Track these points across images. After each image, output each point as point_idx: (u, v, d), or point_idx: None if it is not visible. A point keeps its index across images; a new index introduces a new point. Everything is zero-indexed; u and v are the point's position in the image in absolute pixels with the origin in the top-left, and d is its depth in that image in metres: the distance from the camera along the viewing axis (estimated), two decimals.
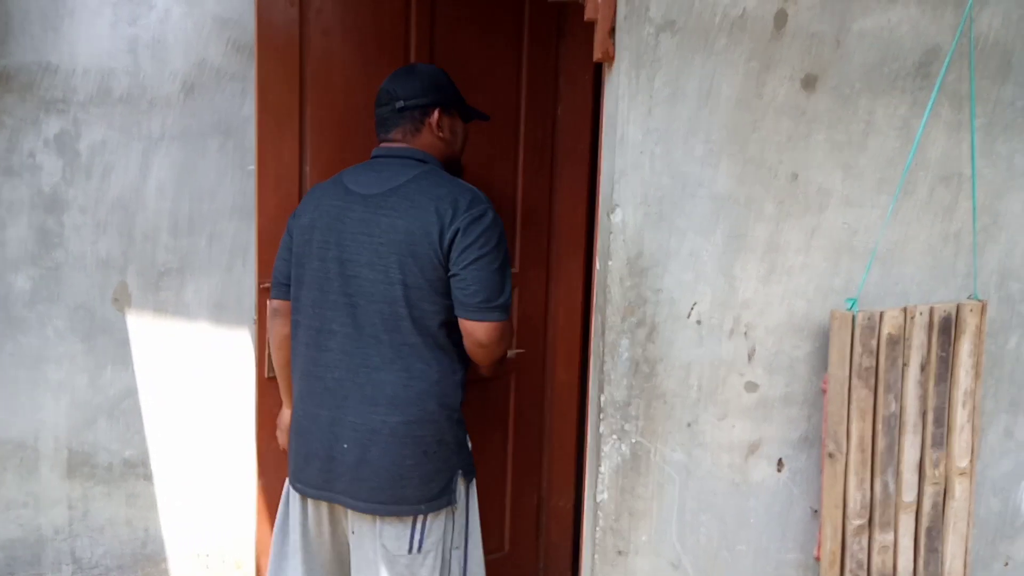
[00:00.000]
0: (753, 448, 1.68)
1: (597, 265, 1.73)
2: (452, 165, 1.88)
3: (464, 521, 1.81)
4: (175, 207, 2.69)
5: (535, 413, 2.59)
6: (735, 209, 1.64)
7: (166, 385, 2.73)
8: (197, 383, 2.75)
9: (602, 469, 1.65)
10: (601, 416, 1.64)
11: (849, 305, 1.62)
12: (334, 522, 1.82)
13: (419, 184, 1.70)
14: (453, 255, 1.65)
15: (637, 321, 1.63)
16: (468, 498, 1.82)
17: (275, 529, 1.90)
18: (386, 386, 1.68)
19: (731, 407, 1.67)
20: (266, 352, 2.18)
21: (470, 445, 1.83)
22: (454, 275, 1.66)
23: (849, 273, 1.67)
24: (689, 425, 1.66)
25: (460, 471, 1.77)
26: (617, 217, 1.62)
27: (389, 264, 1.66)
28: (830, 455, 1.62)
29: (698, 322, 1.65)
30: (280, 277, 1.87)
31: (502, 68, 2.40)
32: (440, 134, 1.82)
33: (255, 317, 2.24)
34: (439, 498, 1.73)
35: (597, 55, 1.66)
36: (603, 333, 1.65)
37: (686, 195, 1.62)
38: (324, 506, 1.81)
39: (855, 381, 1.60)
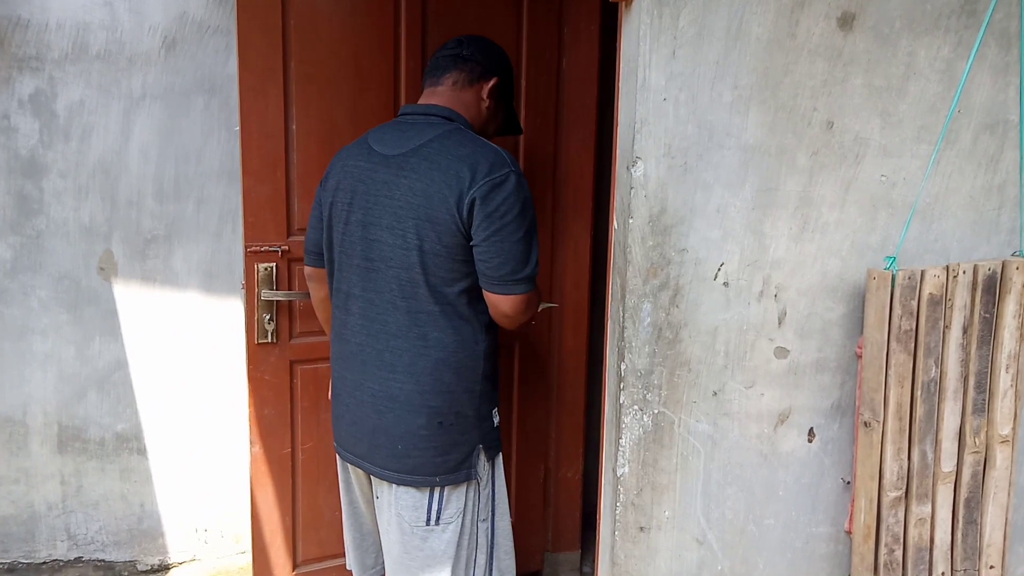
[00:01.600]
0: (783, 417, 1.55)
1: (614, 224, 1.57)
2: None
3: (490, 493, 1.71)
4: (159, 170, 2.51)
5: (541, 381, 2.44)
6: (766, 160, 1.48)
7: (157, 356, 2.57)
8: (189, 354, 2.59)
9: (622, 441, 1.51)
10: (621, 386, 1.50)
11: (888, 264, 1.48)
12: (370, 485, 1.77)
13: (441, 144, 1.58)
14: (474, 224, 1.53)
15: (660, 284, 1.48)
16: (493, 473, 1.72)
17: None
18: (403, 353, 1.60)
19: (760, 374, 1.53)
20: (255, 317, 2.06)
21: (496, 420, 1.71)
22: (476, 246, 1.55)
23: (887, 229, 1.52)
24: (715, 394, 1.52)
25: (481, 446, 1.67)
26: (638, 171, 1.45)
27: (407, 228, 1.56)
28: (865, 424, 1.49)
29: (725, 284, 1.50)
30: (311, 246, 1.79)
31: (501, 18, 2.21)
32: (485, 102, 1.72)
33: (243, 282, 2.09)
34: (457, 471, 1.64)
35: None
36: (623, 297, 1.49)
37: (713, 145, 1.46)
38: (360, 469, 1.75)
39: (894, 345, 1.45)
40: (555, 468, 2.49)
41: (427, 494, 1.63)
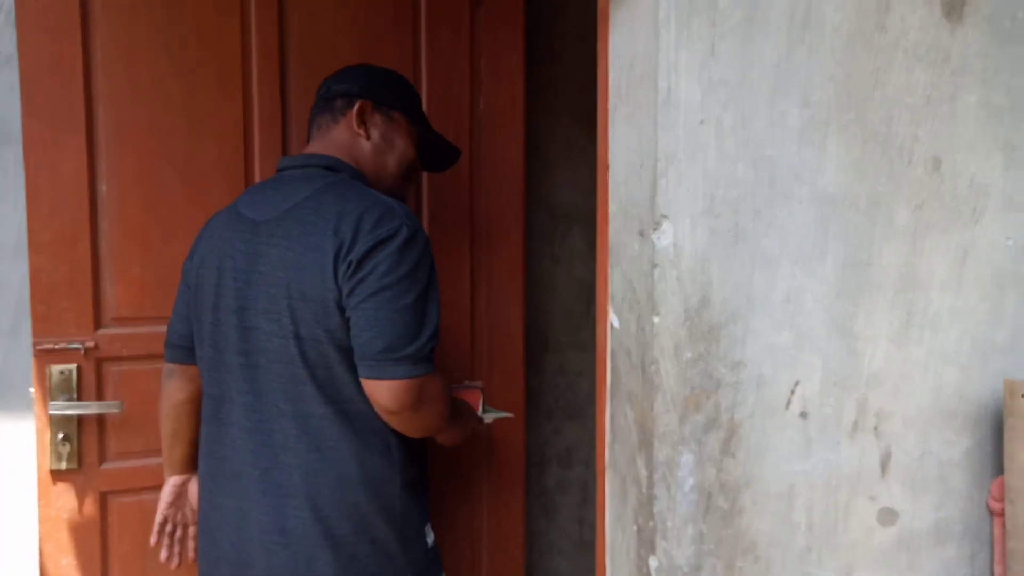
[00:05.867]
0: None
1: (610, 321, 0.91)
2: (385, 189, 1.34)
3: None
4: None
5: (463, 505, 1.73)
6: (853, 218, 0.87)
7: None
8: None
9: None
10: None
11: None
12: None
13: (319, 201, 1.22)
14: (345, 289, 1.16)
15: (707, 421, 0.83)
16: None
17: None
18: (294, 471, 1.23)
19: (859, 553, 0.89)
20: (48, 438, 1.43)
21: (430, 538, 1.29)
22: (348, 316, 1.18)
23: (1016, 319, 0.94)
24: None
25: (410, 574, 1.26)
26: (664, 239, 0.81)
27: (281, 311, 1.22)
28: None
29: (802, 415, 0.86)
30: (174, 338, 1.40)
31: (390, 50, 1.59)
32: (360, 134, 1.33)
33: (32, 389, 1.39)
34: None
35: None
36: (645, 445, 0.83)
37: (776, 196, 0.84)
38: None
39: None
40: None
41: None
